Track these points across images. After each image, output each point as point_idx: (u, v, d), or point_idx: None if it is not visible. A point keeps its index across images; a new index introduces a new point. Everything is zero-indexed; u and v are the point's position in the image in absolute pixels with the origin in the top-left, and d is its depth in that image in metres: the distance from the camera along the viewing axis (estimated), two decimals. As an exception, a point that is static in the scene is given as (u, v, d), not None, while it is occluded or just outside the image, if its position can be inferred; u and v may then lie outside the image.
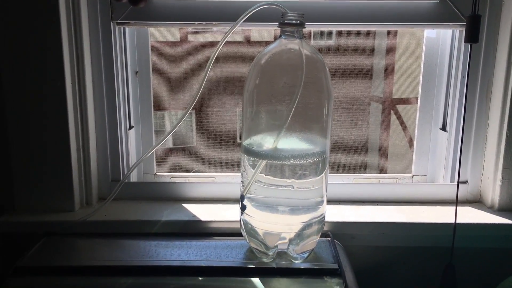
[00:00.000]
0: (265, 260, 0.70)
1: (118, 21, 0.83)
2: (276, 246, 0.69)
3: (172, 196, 0.89)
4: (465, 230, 0.80)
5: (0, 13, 0.75)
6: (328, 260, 0.71)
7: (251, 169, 0.68)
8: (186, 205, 0.87)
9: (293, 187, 0.68)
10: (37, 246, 0.73)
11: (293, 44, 0.67)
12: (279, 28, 0.68)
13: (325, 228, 0.77)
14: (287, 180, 0.67)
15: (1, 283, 0.65)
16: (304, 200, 0.69)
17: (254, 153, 0.68)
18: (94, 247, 0.75)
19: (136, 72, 0.91)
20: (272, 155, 0.67)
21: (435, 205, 0.88)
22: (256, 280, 0.66)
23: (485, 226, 0.82)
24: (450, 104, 0.90)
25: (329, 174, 0.72)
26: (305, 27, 0.67)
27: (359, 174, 0.96)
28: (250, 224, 0.70)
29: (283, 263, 0.69)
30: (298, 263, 0.70)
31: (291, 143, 0.67)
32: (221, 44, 0.74)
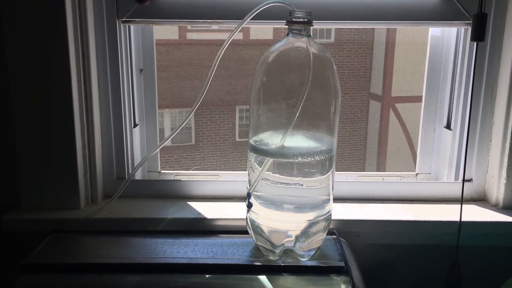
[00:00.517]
0: (271, 257, 0.70)
1: (123, 19, 0.83)
2: (283, 244, 0.70)
3: (177, 194, 0.89)
4: (470, 228, 0.80)
5: (6, 12, 0.75)
6: (335, 258, 0.71)
7: (258, 167, 0.68)
8: (191, 203, 0.87)
9: (300, 185, 0.68)
10: (44, 244, 0.73)
11: (301, 42, 0.67)
12: (286, 26, 0.68)
13: (331, 226, 0.77)
14: (294, 178, 0.67)
15: (8, 281, 0.65)
16: (311, 198, 0.69)
17: (261, 151, 0.68)
18: (100, 244, 0.74)
19: (141, 70, 0.91)
20: (279, 153, 0.67)
21: (439, 203, 0.88)
22: (263, 278, 0.66)
23: (490, 224, 0.82)
24: (454, 102, 0.90)
25: (335, 172, 0.72)
26: (312, 25, 0.67)
27: (363, 172, 0.97)
28: (256, 222, 0.70)
29: (290, 261, 0.69)
30: (305, 260, 0.70)
31: (298, 141, 0.67)
32: (227, 42, 0.74)
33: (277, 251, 0.70)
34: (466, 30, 0.85)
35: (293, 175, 0.67)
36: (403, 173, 0.97)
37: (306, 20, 0.66)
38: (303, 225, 0.69)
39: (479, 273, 0.83)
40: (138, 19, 0.83)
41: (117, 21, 0.82)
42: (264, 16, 0.73)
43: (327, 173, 0.69)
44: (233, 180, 0.93)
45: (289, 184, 0.67)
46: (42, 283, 0.65)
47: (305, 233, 0.69)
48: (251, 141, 0.70)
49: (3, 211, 0.81)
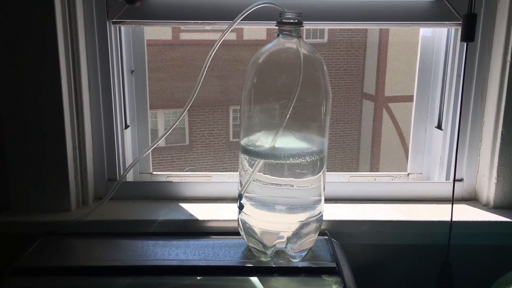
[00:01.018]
0: (263, 259, 0.70)
1: (113, 20, 0.82)
2: (274, 245, 0.70)
3: (168, 195, 0.89)
4: (461, 227, 0.81)
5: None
6: (326, 259, 0.71)
7: (249, 168, 0.68)
8: (183, 204, 0.87)
9: (291, 186, 0.68)
10: (34, 246, 0.72)
11: (291, 43, 0.67)
12: (277, 27, 0.68)
13: (322, 227, 0.78)
14: (285, 179, 0.67)
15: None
16: (302, 198, 0.70)
17: (252, 152, 0.68)
18: (91, 247, 0.74)
19: (132, 71, 0.91)
20: (270, 154, 0.67)
21: (431, 203, 0.89)
22: (254, 279, 0.66)
23: (480, 224, 0.82)
24: (445, 103, 0.90)
25: (326, 172, 0.72)
26: (303, 26, 0.67)
27: (355, 173, 0.97)
28: (248, 223, 0.70)
29: (281, 262, 0.70)
30: (296, 261, 0.70)
31: (289, 142, 0.67)
32: (218, 43, 0.74)
33: (269, 252, 0.70)
34: (456, 30, 0.86)
35: (284, 176, 0.67)
36: (395, 173, 0.97)
37: (296, 21, 0.66)
38: (294, 226, 0.69)
39: (470, 272, 0.84)
40: (129, 20, 0.83)
41: (107, 22, 0.82)
42: (255, 16, 0.73)
43: (318, 173, 0.69)
44: (225, 181, 0.93)
45: (280, 185, 0.67)
46: (34, 286, 0.65)
47: (296, 234, 0.69)
48: (242, 143, 0.70)
49: (-7, 214, 0.81)
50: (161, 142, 0.82)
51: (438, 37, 0.90)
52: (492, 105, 0.84)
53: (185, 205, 0.86)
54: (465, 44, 0.80)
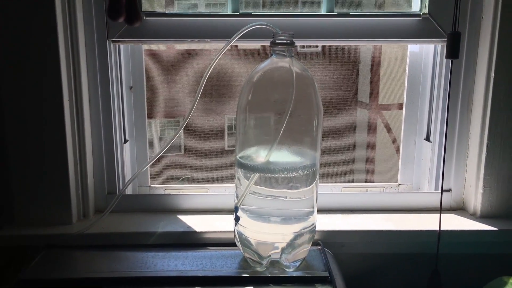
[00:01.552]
0: (258, 269, 0.73)
1: (113, 39, 0.85)
2: (269, 255, 0.72)
3: (167, 208, 0.92)
4: (449, 236, 0.84)
5: (1, 36, 0.77)
6: (319, 268, 0.74)
7: (245, 181, 0.71)
8: (180, 217, 0.89)
9: (285, 198, 0.71)
10: (38, 259, 0.75)
11: (284, 62, 0.70)
12: (270, 47, 0.71)
13: (316, 237, 0.80)
14: (279, 191, 0.70)
15: None
16: (296, 210, 0.72)
17: (247, 167, 0.71)
18: (93, 259, 0.77)
19: (131, 88, 0.94)
20: (264, 169, 0.70)
21: (420, 213, 0.92)
22: (250, 289, 0.69)
23: (468, 233, 0.85)
24: (433, 116, 0.93)
25: (318, 184, 0.75)
26: (295, 46, 0.70)
27: (347, 184, 1.00)
28: (244, 235, 0.73)
29: (276, 272, 0.72)
30: (291, 271, 0.72)
31: (282, 156, 0.70)
32: (214, 62, 0.77)
33: (264, 262, 0.72)
34: (442, 46, 0.89)
35: (278, 188, 0.70)
36: (386, 184, 1.01)
37: (289, 41, 0.70)
38: (289, 237, 0.72)
39: (459, 280, 0.86)
40: (128, 39, 0.86)
41: (107, 41, 0.85)
42: (250, 35, 0.76)
43: (310, 185, 0.72)
44: (221, 193, 0.95)
45: (275, 197, 0.70)
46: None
47: (291, 245, 0.72)
48: (238, 157, 0.73)
49: (-4, 227, 0.83)
50: (156, 152, 0.85)
51: (426, 52, 0.94)
52: (477, 118, 0.87)
53: (183, 217, 0.89)
54: (450, 60, 0.84)
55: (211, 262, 0.74)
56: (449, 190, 0.92)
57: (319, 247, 0.80)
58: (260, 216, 0.72)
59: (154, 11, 0.87)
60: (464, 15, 0.85)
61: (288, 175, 0.69)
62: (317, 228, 0.79)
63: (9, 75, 0.79)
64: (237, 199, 0.74)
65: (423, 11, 0.86)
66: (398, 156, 1.03)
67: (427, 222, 0.87)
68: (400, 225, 0.87)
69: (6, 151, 0.82)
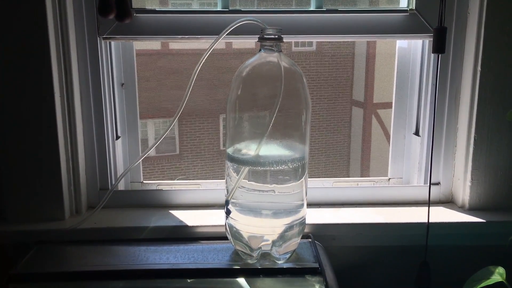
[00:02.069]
0: (249, 261, 0.74)
1: (104, 36, 0.86)
2: (260, 247, 0.73)
3: (159, 203, 0.93)
4: (438, 229, 0.85)
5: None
6: (309, 260, 0.75)
7: (235, 175, 0.72)
8: (173, 211, 0.90)
9: (274, 192, 0.72)
10: (30, 254, 0.75)
11: (272, 57, 0.71)
12: (259, 42, 0.72)
13: (306, 230, 0.81)
14: (268, 185, 0.71)
15: None
16: (285, 204, 0.73)
17: (238, 160, 0.72)
18: (85, 253, 0.77)
19: (122, 84, 0.94)
20: (254, 162, 0.71)
21: (410, 206, 0.93)
22: (241, 281, 0.70)
23: (456, 225, 0.87)
24: (422, 110, 0.95)
25: (310, 178, 0.76)
26: (283, 42, 0.71)
27: (339, 178, 1.01)
28: (235, 228, 0.74)
29: (267, 264, 0.73)
30: (281, 263, 0.73)
31: (272, 150, 0.71)
32: (203, 58, 0.78)
33: (255, 254, 0.73)
34: (430, 42, 0.90)
35: (267, 182, 0.71)
36: (376, 178, 1.02)
37: (277, 36, 0.71)
38: (279, 229, 0.73)
39: (447, 271, 0.88)
40: (119, 36, 0.87)
41: (98, 38, 0.86)
42: (239, 31, 0.77)
43: (300, 180, 0.73)
44: (213, 188, 0.96)
45: (264, 191, 0.71)
46: (30, 292, 0.68)
47: (281, 238, 0.73)
48: (229, 151, 0.73)
49: (-11, 224, 0.84)
50: (152, 152, 0.86)
51: (414, 48, 0.95)
52: (465, 112, 0.88)
53: (175, 212, 0.90)
54: (437, 55, 0.85)
55: (203, 255, 0.75)
56: (438, 184, 0.94)
57: (310, 239, 0.81)
58: (251, 209, 0.73)
59: (145, 8, 0.88)
60: (451, 10, 0.86)
61: (278, 167, 0.70)
62: (308, 222, 0.80)
63: (1, 72, 0.79)
64: (227, 193, 0.75)
65: (410, 7, 0.88)
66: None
67: (416, 215, 0.89)
68: (390, 218, 0.88)
69: (-2, 148, 0.82)
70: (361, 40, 1.08)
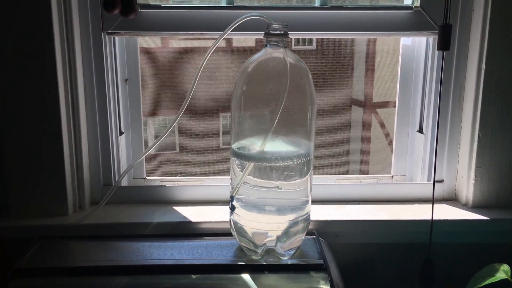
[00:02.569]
0: (254, 257, 0.74)
1: (108, 31, 0.86)
2: (265, 244, 0.73)
3: (162, 199, 0.92)
4: (442, 226, 0.85)
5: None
6: (314, 256, 0.75)
7: (240, 171, 0.72)
8: (176, 207, 0.90)
9: (279, 188, 0.71)
10: (34, 249, 0.75)
11: (278, 52, 0.71)
12: (265, 38, 0.72)
13: (310, 227, 0.81)
14: (273, 181, 0.71)
15: (1, 286, 0.67)
16: (290, 200, 0.73)
17: (242, 156, 0.72)
18: (90, 249, 0.77)
19: (126, 80, 0.94)
20: (259, 157, 0.70)
21: (413, 204, 0.93)
22: (246, 277, 0.70)
23: (460, 223, 0.87)
24: (426, 108, 0.95)
25: (313, 176, 0.76)
26: (289, 37, 0.71)
27: (342, 175, 1.01)
28: (239, 224, 0.74)
29: (271, 260, 0.73)
30: (286, 259, 0.73)
31: (277, 146, 0.71)
32: (208, 54, 0.78)
33: (260, 251, 0.73)
34: (434, 39, 0.90)
35: (273, 179, 0.71)
36: (379, 176, 1.02)
37: (283, 32, 0.70)
38: (283, 226, 0.73)
39: (451, 268, 0.88)
40: (123, 31, 0.86)
41: (102, 33, 0.85)
42: (244, 28, 0.77)
43: (305, 176, 0.73)
44: (216, 184, 0.96)
45: (269, 187, 0.71)
46: (35, 287, 0.68)
47: (285, 234, 0.73)
48: (233, 147, 0.73)
49: (-8, 219, 0.84)
50: (152, 150, 0.85)
51: (418, 45, 0.95)
52: (469, 110, 0.88)
53: (178, 208, 0.90)
54: (442, 52, 0.85)
55: (207, 251, 0.75)
56: (441, 181, 0.94)
57: (314, 236, 0.81)
58: (255, 205, 0.73)
59: (149, 3, 0.87)
60: (455, 7, 0.86)
61: (283, 163, 0.70)
62: (312, 218, 0.80)
63: (4, 68, 0.79)
64: (232, 188, 0.75)
65: (415, 4, 0.87)
66: (391, 149, 1.04)
67: (419, 212, 0.89)
68: (393, 215, 0.88)
69: (1, 143, 0.82)
70: (365, 37, 1.08)
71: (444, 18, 0.78)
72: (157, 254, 0.74)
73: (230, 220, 0.76)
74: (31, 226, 0.82)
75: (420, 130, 0.97)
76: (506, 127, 0.86)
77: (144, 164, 0.99)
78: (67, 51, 0.82)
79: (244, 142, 0.73)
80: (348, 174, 1.42)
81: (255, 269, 0.71)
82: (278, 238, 0.73)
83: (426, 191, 0.94)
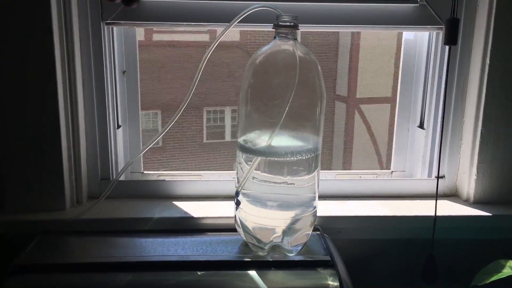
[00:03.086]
0: (260, 253, 0.72)
1: (108, 21, 0.83)
2: (271, 240, 0.72)
3: (161, 194, 0.90)
4: (444, 222, 0.85)
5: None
6: (320, 253, 0.74)
7: (246, 165, 0.71)
8: (175, 203, 0.88)
9: (287, 184, 0.70)
10: (33, 245, 0.73)
11: (287, 45, 0.69)
12: (273, 30, 0.70)
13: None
14: (282, 177, 0.69)
15: (0, 282, 0.65)
16: (298, 196, 0.72)
17: (249, 150, 0.70)
18: (91, 245, 0.75)
19: (124, 72, 0.92)
20: (266, 152, 0.69)
21: (414, 199, 0.93)
22: (253, 273, 0.68)
23: (461, 218, 0.87)
24: (427, 103, 0.94)
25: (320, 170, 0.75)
26: (298, 29, 0.69)
27: (341, 171, 1.00)
28: (245, 219, 0.72)
29: (278, 256, 0.72)
30: (292, 255, 0.72)
31: (285, 140, 0.70)
32: (213, 46, 0.76)
33: (266, 247, 0.72)
34: (438, 34, 0.90)
35: (281, 174, 0.69)
36: (379, 171, 1.01)
37: (292, 24, 0.69)
38: (290, 221, 0.71)
39: (453, 264, 0.88)
40: (123, 21, 0.84)
41: (101, 23, 0.83)
42: (251, 19, 0.75)
43: (313, 171, 0.71)
44: (215, 179, 0.95)
45: (277, 183, 0.70)
46: (35, 284, 0.65)
47: (292, 229, 0.72)
48: (240, 140, 0.72)
49: (-13, 214, 0.81)
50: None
51: (420, 40, 0.94)
52: (472, 105, 0.88)
53: (178, 203, 0.88)
54: (448, 47, 0.84)
55: (212, 247, 0.74)
56: (442, 177, 0.93)
57: (318, 232, 0.80)
58: (261, 201, 0.71)
59: (150, -7, 0.85)
60: (460, 2, 0.85)
61: (292, 158, 0.69)
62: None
63: (1, 58, 0.76)
64: (238, 183, 0.73)
65: (420, -2, 0.87)
66: (390, 144, 1.03)
67: (421, 208, 0.88)
68: (396, 211, 0.88)
69: (-3, 136, 0.79)
70: (371, 31, 1.06)
71: (451, 12, 0.77)
72: (161, 250, 0.72)
73: (235, 215, 0.75)
74: (28, 221, 0.80)
75: (421, 126, 0.97)
76: (509, 123, 0.86)
77: (142, 158, 0.97)
78: (66, 41, 0.79)
79: (251, 136, 0.71)
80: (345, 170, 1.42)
81: (262, 265, 0.70)
82: (285, 234, 0.72)
83: (427, 187, 0.94)
